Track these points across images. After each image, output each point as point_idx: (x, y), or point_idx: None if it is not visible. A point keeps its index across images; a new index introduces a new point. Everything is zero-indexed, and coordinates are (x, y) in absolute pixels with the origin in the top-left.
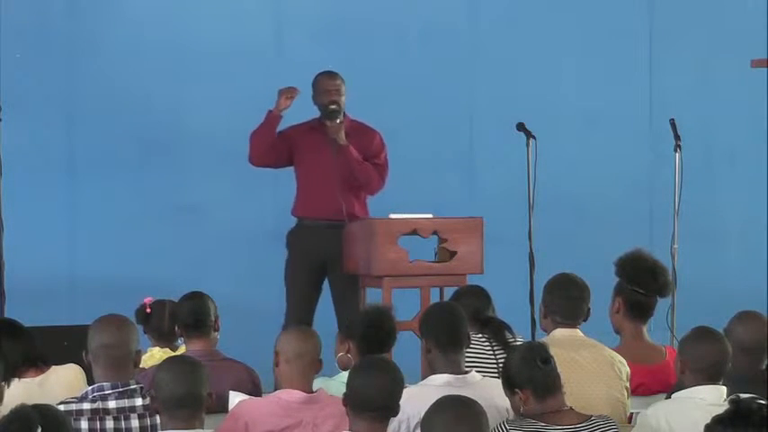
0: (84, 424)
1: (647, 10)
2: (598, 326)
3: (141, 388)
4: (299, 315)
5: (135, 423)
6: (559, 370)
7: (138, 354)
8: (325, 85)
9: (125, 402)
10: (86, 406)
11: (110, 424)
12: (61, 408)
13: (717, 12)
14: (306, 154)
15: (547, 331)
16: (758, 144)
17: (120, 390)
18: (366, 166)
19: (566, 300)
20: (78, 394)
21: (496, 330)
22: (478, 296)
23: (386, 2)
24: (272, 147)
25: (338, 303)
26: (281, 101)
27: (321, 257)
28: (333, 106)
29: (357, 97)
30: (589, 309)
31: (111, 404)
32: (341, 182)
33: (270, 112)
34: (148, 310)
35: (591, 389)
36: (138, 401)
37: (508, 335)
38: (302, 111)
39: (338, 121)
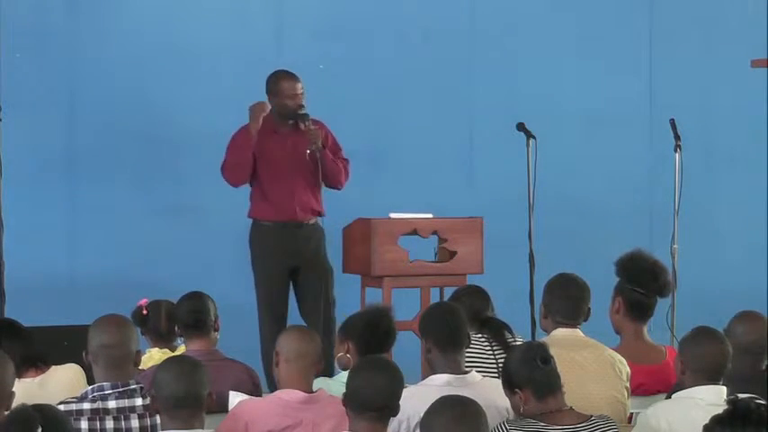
0: (84, 424)
1: (647, 10)
2: (598, 326)
3: (141, 388)
4: (278, 317)
5: (135, 423)
6: (559, 370)
7: (138, 354)
8: (293, 88)
9: (125, 402)
10: (86, 406)
11: (110, 424)
12: (61, 408)
13: (717, 12)
14: (270, 157)
15: (547, 331)
16: (758, 144)
17: (120, 390)
18: (338, 165)
19: (566, 300)
20: (78, 394)
21: (496, 331)
22: (478, 296)
23: (386, 2)
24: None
25: (307, 303)
26: (258, 118)
27: (293, 258)
28: (301, 111)
29: (357, 97)
30: (589, 309)
31: (111, 404)
32: (309, 182)
33: (245, 130)
34: (145, 312)
35: (591, 389)
36: (138, 401)
37: (508, 335)
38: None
39: (311, 125)
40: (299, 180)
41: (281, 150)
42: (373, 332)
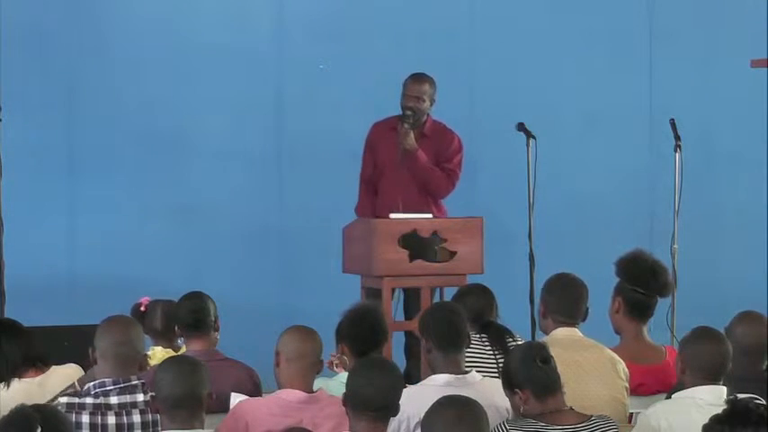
0: (85, 418)
1: (647, 10)
2: (598, 326)
3: (143, 384)
4: None
5: (137, 418)
6: (560, 370)
7: (145, 357)
8: (412, 90)
9: (127, 398)
10: (89, 401)
11: (111, 419)
12: (63, 400)
13: (717, 12)
14: (384, 155)
15: (546, 332)
16: (758, 144)
17: (122, 386)
18: (434, 172)
19: (566, 299)
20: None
21: (497, 335)
22: (482, 296)
23: (386, 2)
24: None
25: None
26: None
27: None
28: (407, 112)
29: (357, 97)
30: (587, 308)
31: (113, 400)
32: (417, 184)
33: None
34: (143, 309)
35: (591, 389)
36: (140, 397)
37: (509, 338)
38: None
39: (407, 125)
40: (408, 178)
41: (390, 147)
42: (359, 332)
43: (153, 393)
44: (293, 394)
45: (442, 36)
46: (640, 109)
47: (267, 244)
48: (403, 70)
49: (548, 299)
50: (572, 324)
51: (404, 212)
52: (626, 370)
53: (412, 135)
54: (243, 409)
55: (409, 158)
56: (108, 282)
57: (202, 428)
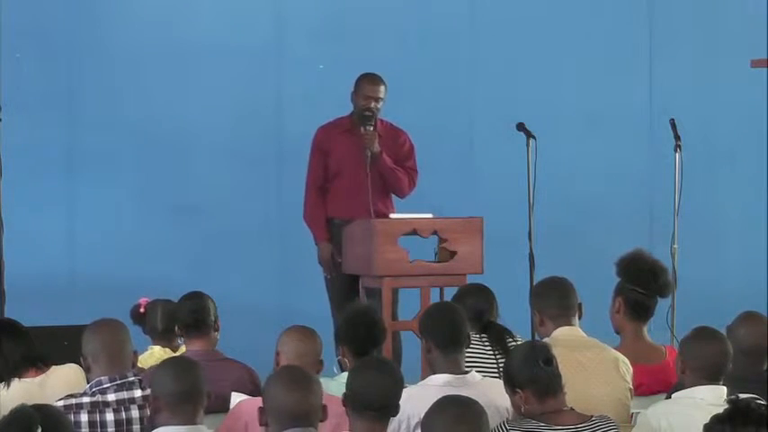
0: (83, 416)
1: (647, 10)
2: (598, 326)
3: (140, 380)
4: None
5: (135, 414)
6: (562, 370)
7: (135, 355)
8: (369, 90)
9: (124, 394)
10: (86, 399)
11: (110, 416)
12: (60, 404)
13: (717, 12)
14: (340, 157)
15: (545, 337)
16: (758, 144)
17: (119, 383)
18: (398, 173)
19: (555, 296)
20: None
21: (497, 335)
22: (482, 296)
23: (386, 2)
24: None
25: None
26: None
27: None
28: (367, 113)
29: None
30: (581, 304)
31: (111, 397)
32: (373, 185)
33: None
34: (142, 310)
35: (594, 389)
36: (138, 393)
37: (508, 338)
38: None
39: (371, 128)
40: (364, 180)
41: (347, 149)
42: (354, 333)
43: (154, 394)
44: None
45: (442, 36)
46: (640, 109)
47: (267, 244)
48: (403, 70)
49: (539, 303)
50: (569, 320)
51: (361, 212)
52: (630, 369)
53: (377, 138)
54: (243, 409)
55: (375, 161)
56: (108, 282)
57: (202, 425)
